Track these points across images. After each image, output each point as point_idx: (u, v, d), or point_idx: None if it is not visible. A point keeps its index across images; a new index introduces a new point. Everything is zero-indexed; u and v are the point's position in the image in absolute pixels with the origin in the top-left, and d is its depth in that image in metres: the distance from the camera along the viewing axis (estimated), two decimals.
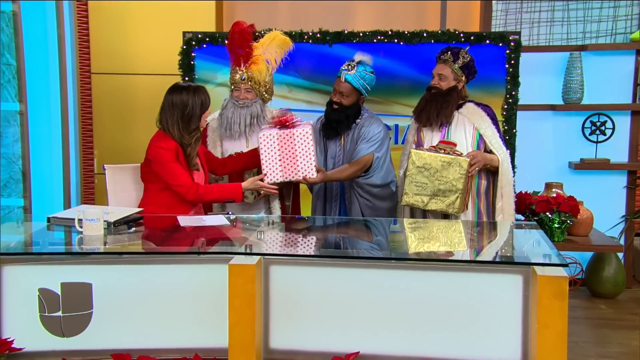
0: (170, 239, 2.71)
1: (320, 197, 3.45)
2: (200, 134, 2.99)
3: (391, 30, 4.02)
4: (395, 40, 4.02)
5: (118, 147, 4.48)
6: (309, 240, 2.76)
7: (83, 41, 4.54)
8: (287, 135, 2.99)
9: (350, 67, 3.28)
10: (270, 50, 3.18)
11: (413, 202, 3.08)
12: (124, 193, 3.23)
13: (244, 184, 3.01)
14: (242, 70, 3.13)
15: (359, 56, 3.33)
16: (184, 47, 4.09)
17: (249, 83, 3.13)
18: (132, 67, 4.55)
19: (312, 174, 3.01)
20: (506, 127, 4.00)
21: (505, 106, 3.98)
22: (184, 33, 4.12)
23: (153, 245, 2.63)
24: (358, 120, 3.36)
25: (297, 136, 3.00)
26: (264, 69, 3.15)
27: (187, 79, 4.09)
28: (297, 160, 3.00)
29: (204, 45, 4.08)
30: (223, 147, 3.25)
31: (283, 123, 3.03)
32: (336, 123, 3.32)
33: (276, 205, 3.23)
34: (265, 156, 2.99)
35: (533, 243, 2.50)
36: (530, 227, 2.97)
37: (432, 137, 3.24)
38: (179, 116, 2.90)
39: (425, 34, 3.99)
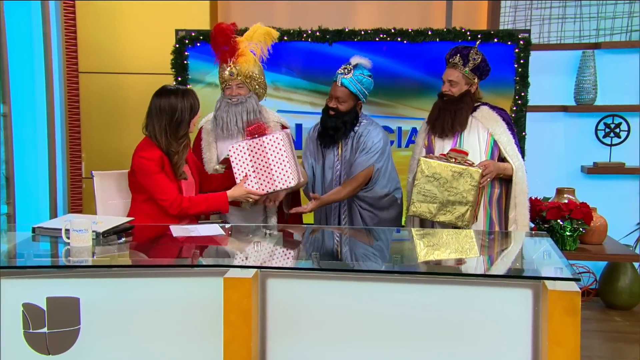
0: (162, 251, 2.71)
1: (321, 210, 3.45)
2: (189, 140, 2.99)
3: (394, 29, 4.03)
4: (399, 39, 4.02)
5: (107, 151, 4.49)
6: (308, 252, 2.76)
7: (70, 38, 4.54)
8: (257, 144, 2.96)
9: (346, 70, 3.26)
10: (254, 41, 3.18)
11: (421, 212, 3.07)
12: (113, 201, 3.23)
13: (230, 192, 2.98)
14: (230, 66, 3.13)
15: (356, 59, 3.31)
16: (177, 45, 4.10)
17: (239, 78, 3.14)
18: (122, 66, 4.55)
19: (290, 183, 2.97)
20: (515, 130, 4.00)
21: (514, 107, 3.99)
22: (177, 31, 4.12)
23: (144, 257, 2.62)
24: (356, 128, 3.34)
25: (268, 144, 2.96)
26: (251, 60, 3.15)
27: (179, 79, 4.10)
28: (272, 170, 2.96)
29: (198, 44, 4.09)
30: (219, 149, 3.25)
31: (253, 133, 3.03)
32: (333, 130, 3.29)
33: (274, 214, 3.23)
34: (238, 170, 2.97)
35: (543, 254, 2.50)
36: (540, 235, 2.97)
37: (443, 143, 3.24)
38: (167, 122, 2.89)
39: (430, 33, 4.00)
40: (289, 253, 2.72)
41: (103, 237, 2.60)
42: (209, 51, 4.10)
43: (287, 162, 2.96)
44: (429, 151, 3.28)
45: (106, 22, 4.52)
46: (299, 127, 4.16)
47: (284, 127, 3.35)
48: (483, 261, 2.52)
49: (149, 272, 2.30)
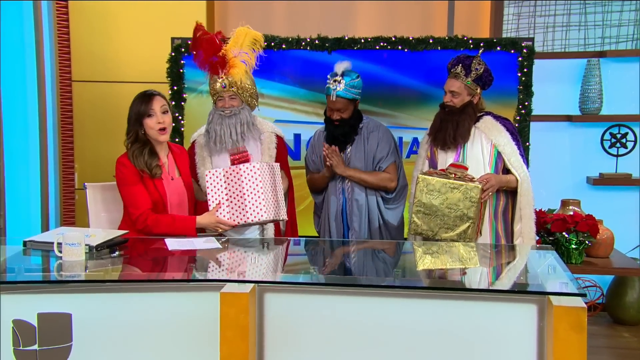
0: (157, 265, 2.71)
1: (336, 219, 3.47)
2: (144, 143, 2.98)
3: (395, 37, 4.05)
4: (399, 47, 4.05)
5: (101, 161, 4.49)
6: (307, 266, 2.76)
7: (63, 46, 4.56)
8: (234, 171, 2.94)
9: (336, 82, 3.34)
10: (244, 49, 3.19)
11: (422, 230, 3.08)
12: (106, 213, 3.24)
13: (200, 219, 2.95)
14: (222, 77, 3.14)
15: (339, 67, 3.38)
16: (173, 53, 4.12)
17: (232, 89, 3.15)
18: (116, 74, 4.57)
19: (262, 217, 2.93)
20: (520, 139, 4.01)
21: (518, 117, 4.01)
22: (173, 39, 4.14)
23: (138, 272, 2.62)
24: (361, 125, 3.46)
25: (245, 172, 2.93)
26: (243, 70, 3.16)
27: (175, 88, 4.12)
28: (245, 201, 2.92)
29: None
30: (214, 163, 3.26)
31: (235, 161, 3.02)
32: (343, 137, 3.42)
33: (270, 226, 3.24)
34: (212, 196, 2.95)
35: (548, 268, 2.51)
36: (544, 249, 2.97)
37: (446, 155, 3.24)
38: (128, 120, 2.99)
39: (431, 41, 4.02)
40: (288, 267, 2.72)
41: (96, 251, 2.60)
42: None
43: (262, 194, 2.92)
44: (432, 163, 3.30)
45: (100, 30, 4.54)
46: (297, 137, 4.18)
47: (278, 137, 3.36)
48: (486, 275, 2.53)
49: (143, 287, 2.31)
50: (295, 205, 3.53)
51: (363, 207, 3.42)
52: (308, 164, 3.60)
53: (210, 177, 2.95)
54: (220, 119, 3.17)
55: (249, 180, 2.92)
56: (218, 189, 2.94)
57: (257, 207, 2.91)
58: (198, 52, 3.14)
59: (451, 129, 3.19)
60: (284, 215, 3.05)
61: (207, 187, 2.95)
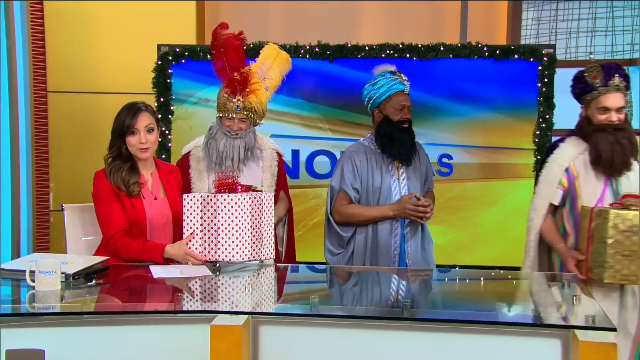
0: (140, 295, 2.71)
1: (393, 247, 3.37)
2: (126, 159, 3.00)
3: (402, 44, 4.09)
4: (407, 55, 4.08)
5: (79, 180, 4.50)
6: (307, 295, 2.75)
7: (38, 53, 4.59)
8: (210, 200, 2.88)
9: (400, 77, 3.32)
10: (270, 75, 3.22)
11: (621, 277, 2.88)
12: (86, 237, 3.24)
13: (169, 248, 2.92)
14: (239, 100, 3.16)
15: (388, 66, 3.38)
16: (159, 62, 4.15)
17: (245, 113, 3.17)
18: (96, 84, 4.60)
19: (234, 257, 2.86)
20: (538, 157, 4.03)
21: (538, 132, 4.03)
22: (159, 46, 4.18)
23: (120, 303, 2.62)
24: None
25: (221, 204, 2.85)
26: (264, 99, 3.19)
27: (162, 99, 4.14)
28: (219, 236, 2.86)
29: (183, 61, 4.15)
30: (210, 179, 3.27)
31: (219, 188, 2.96)
32: (411, 144, 3.33)
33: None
34: (187, 223, 2.92)
35: (573, 299, 2.50)
36: (568, 276, 2.97)
37: (594, 187, 3.11)
38: (112, 131, 3.01)
39: (442, 48, 4.06)
40: (285, 296, 2.72)
41: (74, 280, 2.59)
42: (196, 69, 4.17)
43: (238, 232, 2.86)
44: (572, 194, 3.15)
45: (79, 35, 4.58)
46: (295, 153, 4.20)
47: (279, 154, 3.38)
48: (503, 307, 2.52)
49: (125, 319, 2.30)
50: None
51: (419, 232, 3.38)
52: (347, 191, 3.35)
53: (187, 203, 2.92)
54: (224, 138, 3.18)
55: (225, 213, 2.86)
56: (194, 217, 2.91)
57: (230, 245, 2.86)
58: (219, 56, 3.17)
59: (621, 153, 3.04)
60: (267, 255, 3.00)
61: (184, 213, 2.92)
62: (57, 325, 2.27)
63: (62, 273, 2.55)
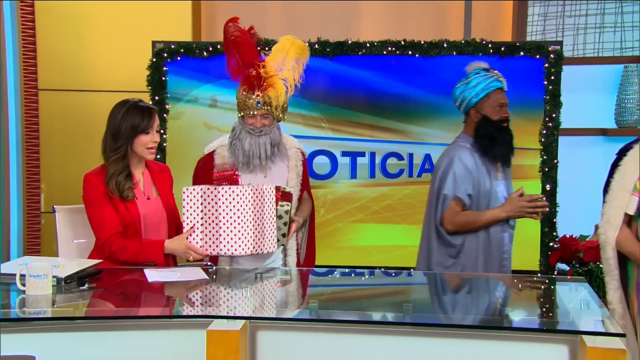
0: (134, 299, 2.71)
1: (505, 251, 3.34)
2: (126, 160, 3.00)
3: (404, 40, 4.09)
4: (410, 52, 4.08)
5: (71, 181, 4.48)
6: (306, 300, 2.75)
7: (28, 50, 4.60)
8: (211, 193, 2.91)
9: (495, 74, 3.27)
10: (287, 66, 3.22)
11: None
12: (78, 240, 3.24)
13: (168, 243, 2.95)
14: (258, 95, 3.17)
15: (478, 64, 3.32)
16: (154, 59, 4.15)
17: (266, 108, 3.18)
18: (89, 82, 4.60)
19: (236, 251, 2.89)
20: (545, 157, 4.04)
21: (544, 131, 4.03)
22: (154, 43, 4.18)
23: (113, 307, 2.62)
24: None
25: (222, 196, 2.88)
26: (282, 91, 3.19)
27: (157, 97, 4.15)
28: (220, 229, 2.89)
29: (178, 58, 4.15)
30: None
31: (220, 180, 2.98)
32: (511, 146, 3.29)
33: (292, 254, 3.26)
34: (187, 217, 2.93)
35: (580, 303, 2.51)
36: (576, 281, 2.98)
37: None
38: (108, 130, 3.00)
39: (445, 45, 4.06)
40: (284, 301, 2.72)
41: (65, 284, 2.60)
42: (191, 66, 4.17)
43: (240, 225, 2.89)
44: None
45: (71, 32, 4.58)
46: None
47: (302, 153, 3.40)
48: (509, 312, 2.52)
49: (119, 324, 2.30)
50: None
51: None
52: (461, 198, 3.23)
53: (187, 196, 2.94)
54: (248, 136, 3.19)
55: (227, 206, 2.88)
56: (194, 210, 2.93)
57: (232, 238, 2.88)
58: (232, 55, 3.18)
59: None
60: (269, 248, 3.02)
61: (183, 207, 2.94)
62: (49, 331, 2.27)
63: (53, 277, 2.55)
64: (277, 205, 3.08)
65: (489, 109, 3.23)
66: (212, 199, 2.90)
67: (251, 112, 3.19)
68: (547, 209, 3.22)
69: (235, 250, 2.89)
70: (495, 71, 3.29)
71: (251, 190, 2.91)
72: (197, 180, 3.27)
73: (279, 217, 3.10)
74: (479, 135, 3.25)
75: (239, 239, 2.88)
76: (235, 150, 3.22)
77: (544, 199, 3.21)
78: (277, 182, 3.20)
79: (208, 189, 2.91)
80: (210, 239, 2.90)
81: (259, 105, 3.16)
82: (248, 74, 3.15)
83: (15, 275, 2.54)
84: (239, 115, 3.24)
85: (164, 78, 4.17)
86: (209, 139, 4.18)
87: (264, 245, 2.98)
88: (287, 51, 3.23)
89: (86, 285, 2.64)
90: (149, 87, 4.16)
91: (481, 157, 3.26)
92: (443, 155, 3.32)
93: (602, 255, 2.94)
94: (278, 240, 3.11)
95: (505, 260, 3.30)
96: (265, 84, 3.15)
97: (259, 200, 2.96)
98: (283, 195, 3.12)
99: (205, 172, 3.28)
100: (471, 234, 3.26)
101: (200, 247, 2.91)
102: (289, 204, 3.12)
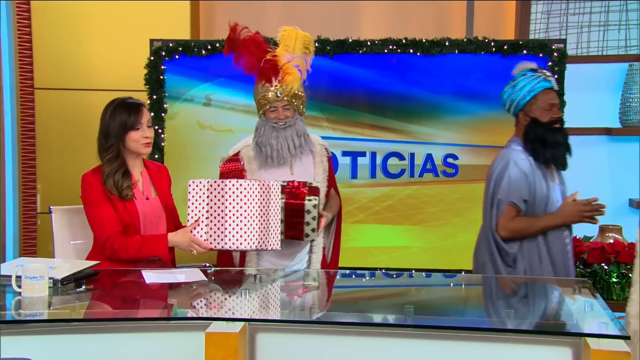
0: (132, 301, 2.71)
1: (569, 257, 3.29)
2: (122, 159, 3.01)
3: (406, 39, 4.09)
4: (411, 51, 4.08)
5: (67, 181, 4.49)
6: (307, 301, 2.76)
7: (24, 48, 4.60)
8: (218, 186, 2.92)
9: (544, 73, 3.23)
10: (296, 52, 3.24)
11: None
12: (75, 241, 3.24)
13: (172, 236, 2.96)
14: (275, 86, 3.19)
15: (525, 64, 3.29)
16: (152, 57, 4.15)
17: (286, 99, 3.20)
18: (86, 81, 4.60)
19: (241, 245, 2.89)
20: None
21: None
22: (152, 41, 4.18)
23: (110, 309, 2.63)
24: None
25: (229, 189, 2.89)
26: (297, 78, 3.22)
27: (155, 97, 4.14)
28: (226, 223, 2.89)
29: (177, 56, 4.15)
30: (264, 177, 3.28)
31: (226, 173, 2.98)
32: (567, 147, 3.25)
33: (317, 255, 3.27)
34: (192, 210, 2.94)
35: (584, 305, 2.51)
36: (580, 283, 2.98)
37: None
38: (100, 131, 3.02)
39: (447, 43, 4.06)
40: (285, 303, 2.72)
41: (62, 285, 2.60)
42: (190, 65, 4.17)
43: (246, 219, 2.89)
44: None
45: (67, 30, 4.57)
46: None
47: (327, 150, 3.41)
48: (512, 314, 2.52)
49: (116, 327, 2.30)
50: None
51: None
52: (516, 204, 3.17)
53: (193, 189, 2.95)
54: (274, 131, 3.21)
55: (233, 199, 2.89)
56: (200, 203, 2.93)
57: (237, 232, 2.89)
58: (242, 55, 3.21)
59: None
60: (273, 245, 3.03)
61: (189, 200, 2.95)
62: (45, 333, 2.28)
63: (50, 278, 2.55)
64: (304, 200, 3.10)
65: (538, 111, 3.19)
66: (219, 192, 2.90)
67: (272, 106, 3.20)
68: (604, 212, 3.15)
69: (241, 244, 2.89)
70: (544, 70, 3.25)
71: (258, 184, 2.92)
72: None
73: (307, 211, 3.10)
74: (528, 139, 3.21)
75: (245, 232, 2.89)
76: (262, 148, 3.22)
77: (599, 201, 3.15)
78: (304, 178, 3.21)
79: (215, 182, 2.92)
80: (215, 232, 2.91)
81: (278, 95, 3.19)
82: (264, 67, 3.18)
83: (11, 276, 2.55)
84: (260, 113, 3.26)
85: (162, 77, 4.16)
86: (202, 139, 4.19)
87: (268, 242, 2.99)
88: (294, 44, 3.25)
89: (83, 287, 2.64)
90: (147, 86, 4.16)
91: (535, 160, 3.22)
92: (497, 158, 3.28)
93: (635, 262, 2.82)
94: (307, 236, 3.13)
95: (569, 261, 3.24)
96: (281, 72, 3.18)
97: (266, 195, 2.97)
98: (310, 189, 3.13)
99: (234, 176, 3.26)
100: (529, 241, 3.19)
101: (205, 240, 2.92)
102: (317, 198, 3.12)
